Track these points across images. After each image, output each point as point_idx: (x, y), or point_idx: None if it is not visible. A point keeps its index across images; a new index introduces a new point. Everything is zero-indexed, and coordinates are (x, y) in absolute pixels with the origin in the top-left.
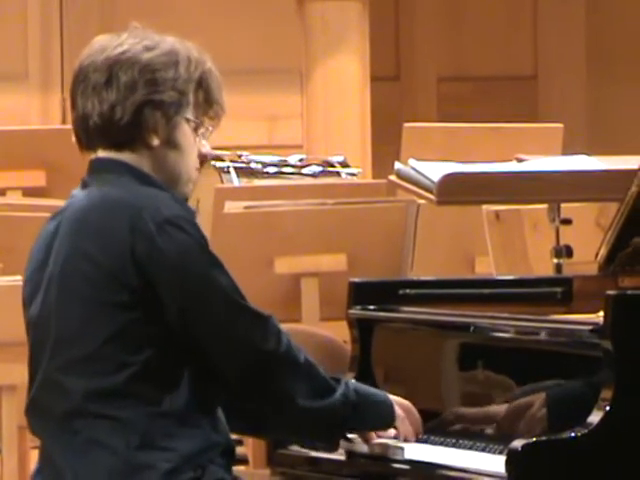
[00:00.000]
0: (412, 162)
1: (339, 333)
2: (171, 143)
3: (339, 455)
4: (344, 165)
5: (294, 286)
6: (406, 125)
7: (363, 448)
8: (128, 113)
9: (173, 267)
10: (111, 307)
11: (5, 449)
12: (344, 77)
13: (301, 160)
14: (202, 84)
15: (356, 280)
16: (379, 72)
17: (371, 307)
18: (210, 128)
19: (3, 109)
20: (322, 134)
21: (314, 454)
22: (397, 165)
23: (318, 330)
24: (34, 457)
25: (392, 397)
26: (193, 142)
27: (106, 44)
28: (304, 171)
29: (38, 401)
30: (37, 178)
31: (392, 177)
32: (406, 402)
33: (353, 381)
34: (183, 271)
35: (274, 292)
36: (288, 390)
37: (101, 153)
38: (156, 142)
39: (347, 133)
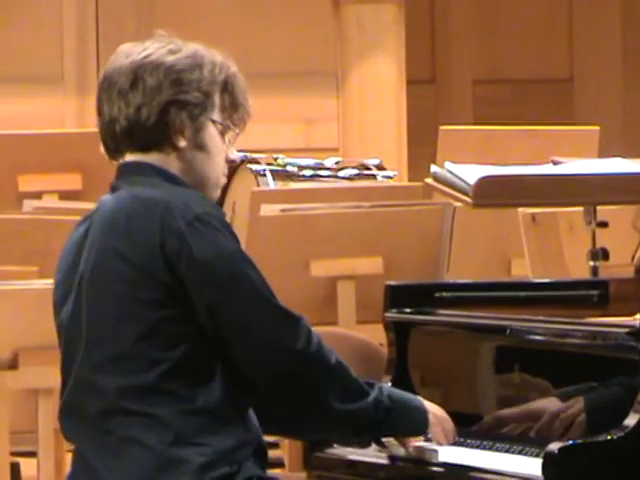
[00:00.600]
0: (448, 165)
1: (375, 336)
2: (198, 145)
3: (375, 458)
4: (380, 168)
5: (330, 289)
6: (442, 128)
7: (399, 451)
8: (154, 114)
9: (203, 265)
10: (143, 305)
11: (41, 452)
12: (380, 80)
13: (337, 163)
14: (227, 87)
15: (392, 283)
16: (415, 75)
17: (407, 310)
18: (237, 132)
19: (39, 112)
20: (358, 137)
21: (351, 457)
22: (433, 168)
23: (354, 333)
24: (70, 460)
25: (426, 403)
26: (220, 145)
27: (130, 50)
28: (340, 174)
29: (71, 403)
30: (73, 181)
31: (428, 180)
32: (440, 410)
33: (388, 385)
34: (213, 268)
35: (310, 295)
36: (318, 391)
37: (129, 157)
38: (183, 143)
39: (383, 136)
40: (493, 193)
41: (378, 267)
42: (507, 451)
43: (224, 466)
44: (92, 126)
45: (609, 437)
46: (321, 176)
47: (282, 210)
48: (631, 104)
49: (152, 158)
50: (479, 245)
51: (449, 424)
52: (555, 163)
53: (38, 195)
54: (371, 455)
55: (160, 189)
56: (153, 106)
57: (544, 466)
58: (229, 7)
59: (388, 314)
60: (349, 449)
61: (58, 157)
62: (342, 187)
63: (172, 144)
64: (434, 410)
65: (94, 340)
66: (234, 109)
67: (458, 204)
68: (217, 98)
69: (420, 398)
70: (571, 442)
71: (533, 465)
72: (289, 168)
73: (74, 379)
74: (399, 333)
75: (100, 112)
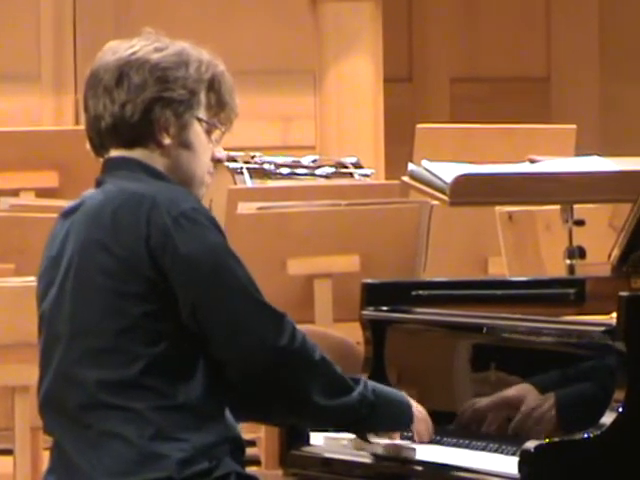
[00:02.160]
0: (425, 163)
1: (352, 334)
2: (183, 143)
3: (352, 456)
4: (357, 166)
5: (307, 287)
6: (419, 126)
7: (376, 449)
8: (138, 111)
9: (187, 260)
10: (126, 299)
11: (18, 450)
12: (357, 78)
13: (314, 161)
14: (213, 86)
15: (369, 281)
16: (392, 73)
17: (384, 308)
18: (222, 131)
19: (16, 110)
20: (335, 135)
21: (327, 455)
22: (410, 166)
23: (331, 331)
24: (47, 458)
25: (410, 399)
26: (206, 143)
27: (117, 47)
28: (317, 172)
29: (52, 396)
30: (50, 179)
31: (405, 178)
32: (420, 407)
33: (372, 382)
34: (198, 264)
35: (287, 293)
36: (302, 388)
37: (113, 153)
38: (167, 141)
39: (360, 134)
40: (470, 191)
41: (355, 265)
42: (484, 449)
43: (203, 462)
44: (69, 124)
45: (585, 436)
46: (298, 174)
47: (259, 208)
48: (608, 103)
49: (137, 153)
50: (456, 243)
51: (428, 422)
52: (532, 161)
53: (15, 192)
54: (347, 453)
55: (146, 184)
56: (138, 103)
57: (520, 464)
58: (207, 5)
59: (365, 312)
60: (325, 447)
61: (35, 155)
62: (319, 185)
63: (156, 141)
64: (416, 406)
65: (76, 333)
66: (220, 108)
67: (435, 202)
68: (203, 96)
69: (404, 393)
70: (547, 440)
71: (510, 463)
72: (266, 166)
73: (54, 372)
74: (376, 331)
75: (86, 108)
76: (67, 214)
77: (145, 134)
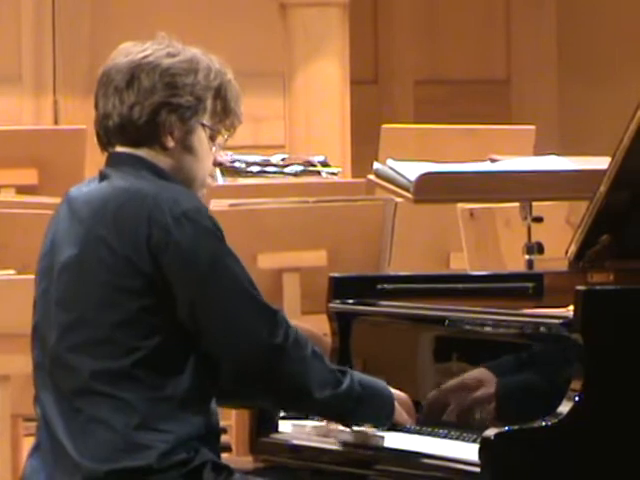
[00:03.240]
0: (390, 162)
1: (319, 326)
2: (186, 146)
3: (320, 443)
4: (325, 165)
5: (276, 281)
6: (384, 126)
7: (344, 436)
8: (146, 113)
9: (187, 258)
10: (125, 292)
11: None
12: (325, 80)
13: (283, 160)
14: (220, 93)
15: (336, 275)
16: (358, 76)
17: (350, 301)
18: (226, 137)
19: None
20: (304, 135)
21: (295, 442)
22: (376, 165)
23: (299, 323)
24: (27, 445)
25: (391, 389)
26: (208, 148)
27: (130, 49)
28: (286, 170)
29: (46, 373)
30: (29, 176)
31: (371, 176)
32: (402, 395)
33: (357, 373)
34: (197, 263)
35: (257, 286)
36: (296, 382)
37: (119, 149)
38: (171, 144)
39: (327, 134)
40: (433, 189)
41: (322, 260)
42: (446, 437)
43: (182, 452)
44: (48, 124)
45: (543, 424)
46: (268, 172)
47: (231, 205)
48: (566, 104)
49: (142, 152)
50: (419, 239)
51: (411, 408)
52: (493, 161)
53: None
54: (315, 440)
55: (149, 182)
56: (145, 106)
57: (481, 451)
58: (178, 9)
59: (332, 305)
60: (293, 434)
61: (15, 153)
62: (288, 183)
63: (161, 143)
64: (397, 395)
65: (73, 322)
66: (225, 115)
67: (400, 200)
68: (209, 103)
69: (385, 384)
70: (507, 428)
71: (471, 450)
72: (237, 165)
73: (50, 354)
74: (342, 323)
75: (96, 106)
76: (72, 200)
77: (150, 136)
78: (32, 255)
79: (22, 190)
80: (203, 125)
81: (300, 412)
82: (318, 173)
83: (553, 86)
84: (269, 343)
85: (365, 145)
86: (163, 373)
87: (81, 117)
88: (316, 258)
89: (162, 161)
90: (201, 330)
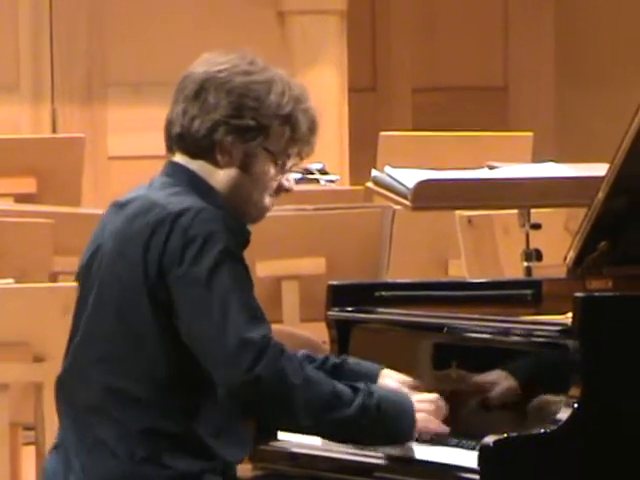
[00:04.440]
0: (388, 169)
1: (318, 334)
2: (244, 168)
3: (317, 451)
4: (323, 172)
5: (275, 288)
6: (382, 134)
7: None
8: (204, 128)
9: (186, 283)
10: (137, 312)
11: None
12: (323, 88)
13: None
14: (290, 120)
15: (334, 283)
16: (356, 83)
17: (349, 309)
18: (292, 163)
19: None
20: None
21: (293, 450)
22: (374, 172)
23: (298, 331)
24: (26, 454)
25: (415, 397)
26: (268, 172)
27: (209, 60)
28: None
29: (65, 386)
30: (28, 185)
31: (369, 184)
32: (430, 396)
33: (378, 389)
34: (193, 289)
35: (256, 294)
36: (281, 414)
37: (178, 157)
38: (225, 162)
39: (326, 142)
40: (431, 196)
41: (321, 267)
42: (445, 444)
43: None
44: (46, 133)
45: (542, 431)
46: None
47: None
48: (563, 111)
49: (197, 165)
50: (418, 246)
51: (441, 409)
52: (491, 168)
53: None
54: (313, 448)
55: (182, 197)
56: (205, 121)
57: (480, 458)
58: (178, 17)
59: (330, 312)
60: (292, 442)
61: (14, 162)
62: None
63: (215, 161)
64: (418, 407)
65: (91, 335)
66: (294, 142)
67: (398, 207)
68: (276, 128)
69: (407, 397)
70: (506, 435)
71: (469, 457)
72: None
73: (69, 363)
74: (341, 331)
75: (171, 109)
76: (120, 206)
77: (207, 151)
78: (30, 263)
79: (20, 198)
80: (266, 149)
81: (309, 434)
82: (317, 181)
83: (551, 93)
84: (245, 382)
85: (363, 152)
86: (176, 403)
87: (79, 125)
88: (315, 266)
89: (215, 178)
90: (195, 354)
